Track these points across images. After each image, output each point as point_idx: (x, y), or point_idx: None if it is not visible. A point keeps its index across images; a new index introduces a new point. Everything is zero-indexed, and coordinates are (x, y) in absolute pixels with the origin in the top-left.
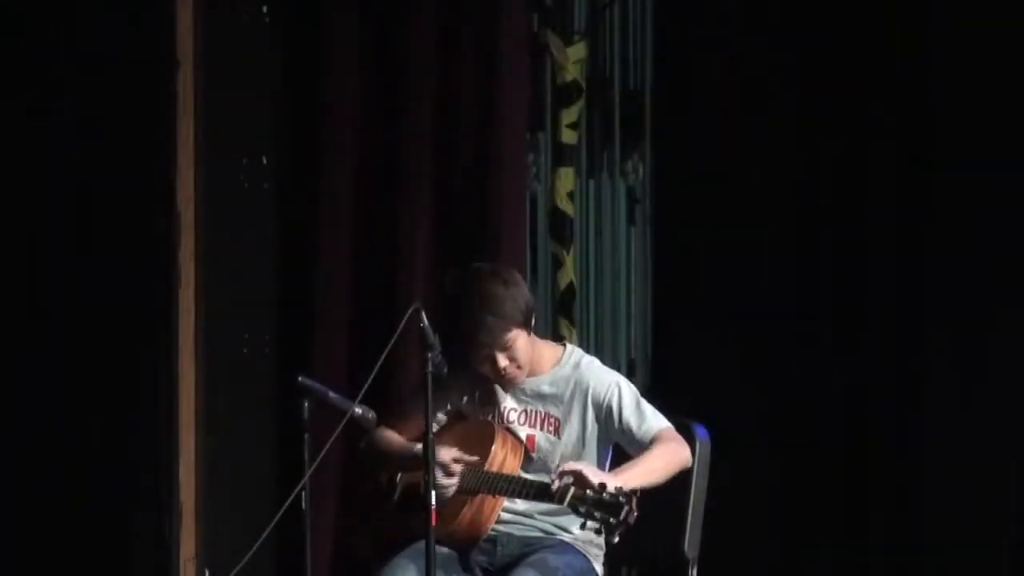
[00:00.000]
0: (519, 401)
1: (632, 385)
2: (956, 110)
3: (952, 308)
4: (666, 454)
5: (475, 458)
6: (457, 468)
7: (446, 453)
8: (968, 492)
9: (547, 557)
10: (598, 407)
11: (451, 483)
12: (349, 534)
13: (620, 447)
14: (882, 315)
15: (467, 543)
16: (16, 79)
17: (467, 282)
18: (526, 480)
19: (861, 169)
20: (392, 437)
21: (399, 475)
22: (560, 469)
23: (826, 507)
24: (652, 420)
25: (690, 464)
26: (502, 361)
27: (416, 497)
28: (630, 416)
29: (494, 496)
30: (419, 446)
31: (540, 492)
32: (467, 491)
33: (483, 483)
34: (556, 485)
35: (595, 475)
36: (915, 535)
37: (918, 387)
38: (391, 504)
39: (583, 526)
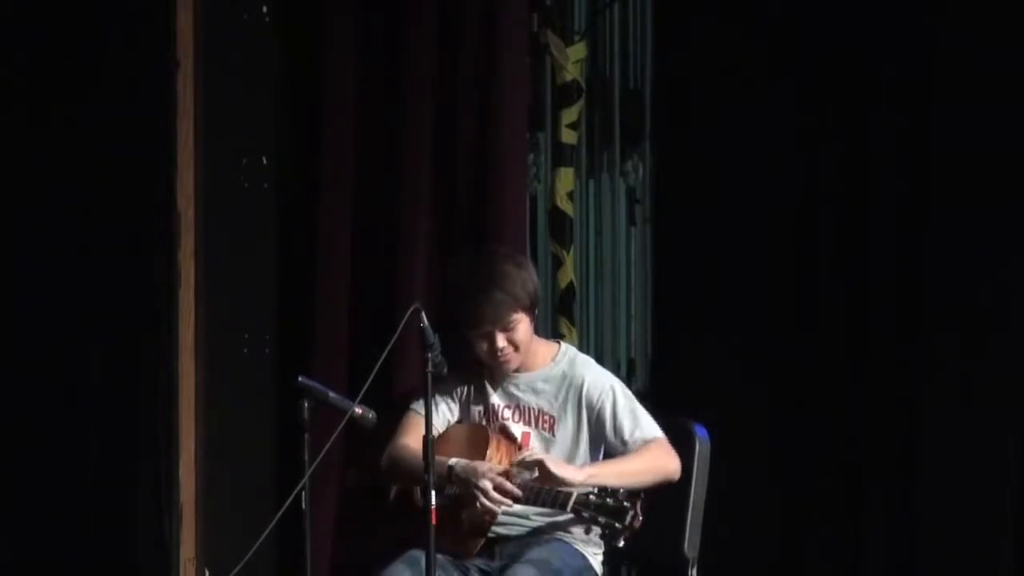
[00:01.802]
0: (511, 397)
1: (627, 389)
2: (956, 110)
3: (952, 308)
4: (647, 460)
5: (517, 491)
6: (508, 487)
7: (491, 474)
8: (968, 492)
9: (545, 557)
10: (591, 408)
11: (500, 504)
12: (349, 536)
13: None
14: (882, 315)
15: (465, 550)
16: (16, 79)
17: (479, 260)
18: (526, 485)
19: (862, 168)
20: (415, 451)
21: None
22: (524, 458)
23: (826, 507)
24: (646, 427)
25: (676, 478)
26: (500, 341)
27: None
28: (623, 421)
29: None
30: (452, 460)
31: (540, 499)
32: (465, 496)
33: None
34: (516, 472)
35: (557, 467)
36: (915, 535)
37: (918, 387)
38: (413, 512)
39: (587, 531)
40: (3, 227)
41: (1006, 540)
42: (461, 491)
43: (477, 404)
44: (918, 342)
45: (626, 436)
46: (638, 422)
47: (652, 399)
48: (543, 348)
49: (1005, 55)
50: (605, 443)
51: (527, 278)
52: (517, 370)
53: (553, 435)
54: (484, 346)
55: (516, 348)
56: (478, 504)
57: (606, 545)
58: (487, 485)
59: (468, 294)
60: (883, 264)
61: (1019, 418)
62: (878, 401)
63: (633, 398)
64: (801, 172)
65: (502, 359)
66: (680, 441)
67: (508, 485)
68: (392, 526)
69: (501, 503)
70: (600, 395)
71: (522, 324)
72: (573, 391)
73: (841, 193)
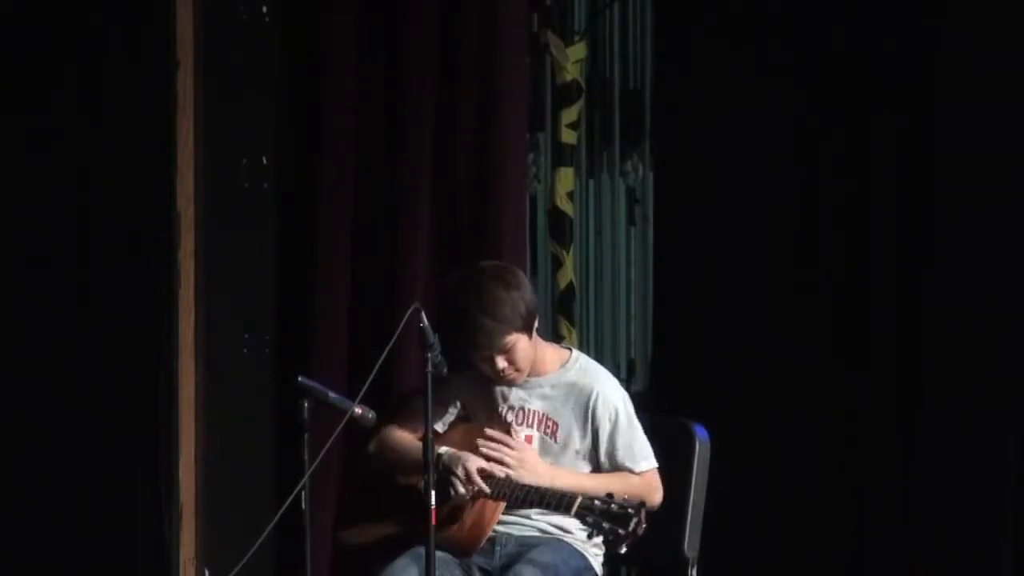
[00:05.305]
0: (519, 400)
1: (632, 413)
2: (956, 110)
3: (952, 308)
4: (629, 487)
5: (502, 474)
6: (478, 480)
7: (474, 463)
8: (968, 492)
9: (545, 557)
10: (593, 422)
11: (470, 492)
12: (346, 530)
13: None
14: (883, 315)
15: (467, 549)
16: (16, 79)
17: (468, 282)
18: (530, 487)
19: (862, 168)
20: (406, 439)
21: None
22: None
23: (826, 507)
24: (640, 461)
25: (654, 510)
26: (501, 363)
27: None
28: (619, 449)
29: (496, 502)
30: (443, 449)
31: (544, 501)
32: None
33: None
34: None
35: (532, 472)
36: (915, 536)
37: (918, 387)
38: (405, 505)
39: (590, 536)
40: (3, 227)
41: (1006, 540)
42: (442, 478)
43: (484, 406)
44: (918, 342)
45: (618, 463)
46: (633, 454)
47: (652, 399)
48: (551, 353)
49: (1005, 55)
50: (599, 458)
51: (518, 298)
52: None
53: (556, 440)
54: (486, 367)
55: (518, 367)
56: (451, 490)
57: (608, 551)
58: (460, 471)
59: (459, 322)
60: (883, 264)
61: (1019, 418)
62: (878, 401)
63: (635, 423)
64: (801, 172)
65: (505, 378)
66: (680, 441)
67: (478, 474)
68: (393, 523)
69: (475, 483)
70: (604, 414)
71: (519, 343)
72: (582, 400)
73: (841, 193)
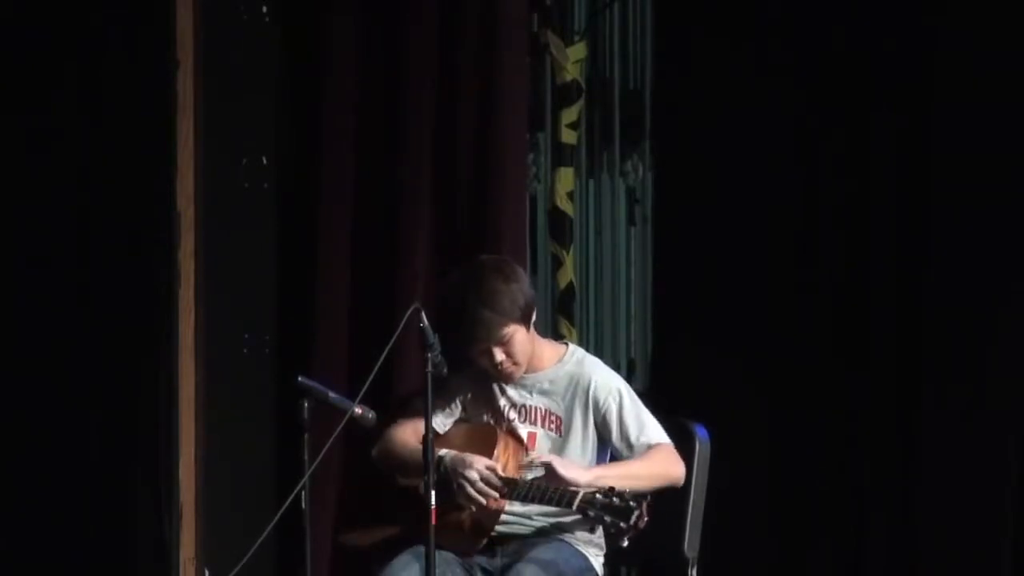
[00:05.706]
0: (519, 397)
1: (633, 393)
2: (956, 110)
3: (952, 308)
4: (653, 466)
5: (509, 474)
6: (495, 480)
7: (481, 463)
8: (968, 492)
9: (547, 556)
10: (597, 410)
11: (485, 496)
12: (347, 533)
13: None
14: (883, 315)
15: (468, 548)
16: (16, 79)
17: (467, 275)
18: (532, 483)
19: (862, 168)
20: (408, 443)
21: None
22: (532, 459)
23: (826, 507)
24: (652, 432)
25: (681, 483)
26: (499, 355)
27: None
28: (629, 426)
29: (498, 501)
30: (444, 451)
31: (546, 497)
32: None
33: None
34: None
35: (565, 468)
36: (915, 536)
37: (919, 387)
38: (405, 505)
39: (592, 530)
40: (3, 227)
41: (1006, 540)
42: (444, 480)
43: (485, 405)
44: (918, 342)
45: (632, 440)
46: (644, 427)
47: (652, 399)
48: (549, 349)
49: (1005, 55)
50: (610, 446)
51: (517, 290)
52: (524, 372)
53: (561, 435)
54: (484, 360)
55: (515, 359)
56: (460, 495)
57: (610, 544)
58: (473, 476)
59: (458, 315)
60: (883, 264)
61: (1019, 418)
62: (878, 401)
63: (639, 402)
64: (801, 172)
65: (503, 371)
66: (680, 441)
67: (494, 480)
68: (394, 523)
69: (486, 495)
70: (607, 397)
71: (517, 335)
72: (580, 391)
73: (841, 193)
